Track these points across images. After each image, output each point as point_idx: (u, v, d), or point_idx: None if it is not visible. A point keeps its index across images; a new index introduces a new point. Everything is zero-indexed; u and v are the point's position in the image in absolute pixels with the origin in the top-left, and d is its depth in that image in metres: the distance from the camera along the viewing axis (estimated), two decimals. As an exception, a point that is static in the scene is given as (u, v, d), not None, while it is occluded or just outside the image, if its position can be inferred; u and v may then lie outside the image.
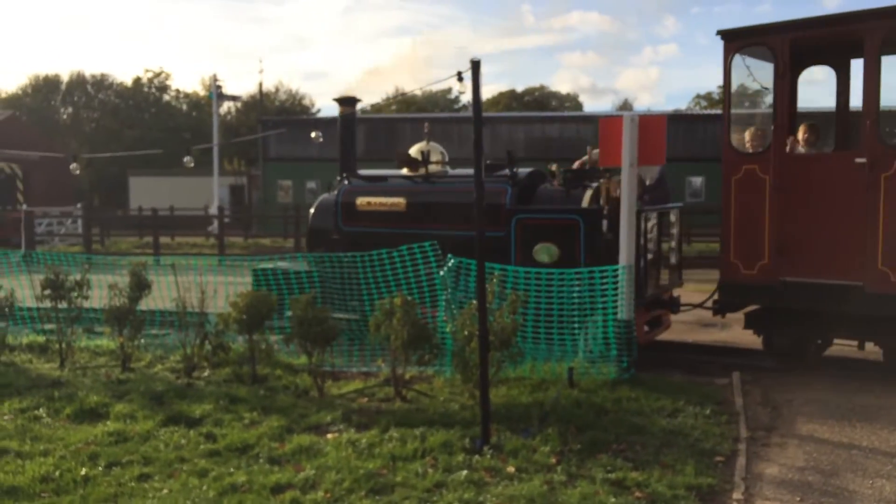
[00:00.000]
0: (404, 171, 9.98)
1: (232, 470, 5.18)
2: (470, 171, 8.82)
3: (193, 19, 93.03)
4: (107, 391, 6.98)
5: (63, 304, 8.24)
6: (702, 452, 5.45)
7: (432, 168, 9.65)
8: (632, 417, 6.16)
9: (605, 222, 8.15)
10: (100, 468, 5.23)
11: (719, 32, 7.71)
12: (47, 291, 8.18)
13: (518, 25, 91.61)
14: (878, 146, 6.96)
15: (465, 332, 6.23)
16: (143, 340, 8.37)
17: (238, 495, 4.79)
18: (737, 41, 7.64)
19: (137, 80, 58.02)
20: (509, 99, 59.78)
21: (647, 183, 9.06)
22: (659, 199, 8.99)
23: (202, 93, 56.77)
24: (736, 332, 9.82)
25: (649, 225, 8.39)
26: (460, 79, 6.44)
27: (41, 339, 9.00)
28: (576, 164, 9.57)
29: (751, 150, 7.81)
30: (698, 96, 60.60)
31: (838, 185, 7.16)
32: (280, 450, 5.51)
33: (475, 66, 5.66)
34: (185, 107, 60.11)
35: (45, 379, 7.48)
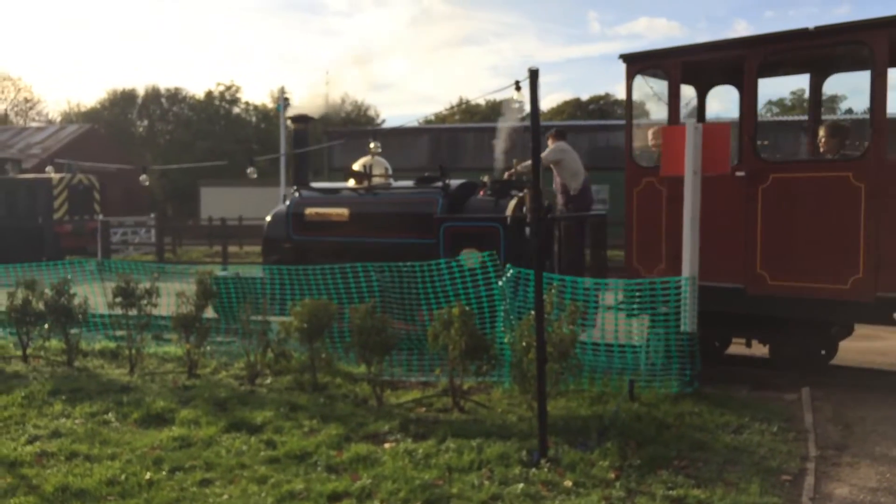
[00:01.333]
0: (351, 183, 10.78)
1: (290, 477, 5.24)
2: (409, 183, 10.36)
3: (265, 33, 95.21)
4: (173, 397, 7.16)
5: (133, 312, 8.50)
6: (768, 471, 5.27)
7: (376, 181, 10.57)
8: (694, 433, 6.00)
9: (527, 228, 8.81)
10: (164, 472, 5.35)
11: (621, 56, 8.30)
12: (118, 299, 8.45)
13: (584, 33, 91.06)
14: (755, 161, 7.51)
15: (523, 343, 6.18)
16: (208, 347, 8.57)
17: (296, 502, 4.85)
18: (636, 64, 8.22)
19: (209, 94, 59.69)
20: (573, 108, 59.28)
21: (571, 193, 10.09)
22: (582, 208, 9.85)
23: (271, 105, 57.99)
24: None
25: (571, 232, 9.31)
26: (518, 88, 6.43)
27: (112, 345, 9.30)
28: (506, 175, 10.26)
29: (655, 151, 8.43)
30: (770, 102, 58.99)
31: (720, 197, 7.53)
32: (338, 458, 5.55)
33: (533, 74, 5.63)
34: (254, 119, 61.56)
35: (114, 384, 7.72)
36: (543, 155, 10.13)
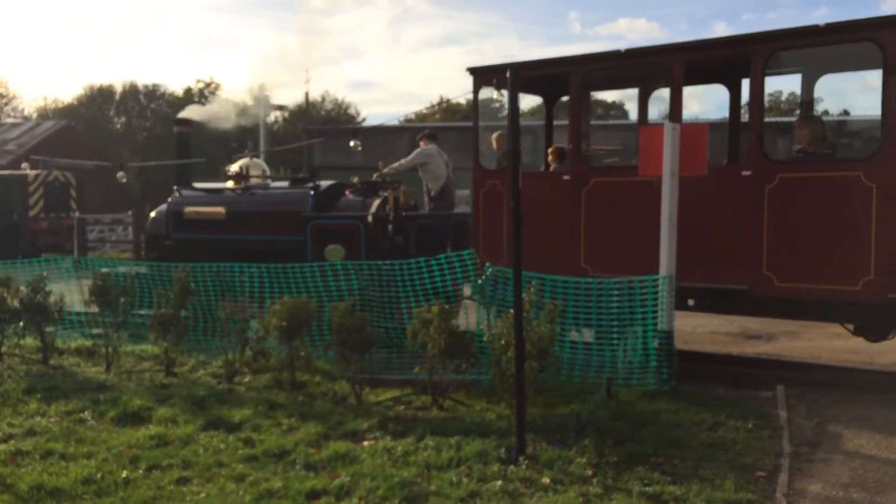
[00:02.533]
0: (229, 184, 11.47)
1: (268, 475, 5.23)
2: (284, 184, 11.39)
3: (244, 31, 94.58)
4: (150, 395, 7.12)
5: (110, 310, 8.42)
6: (742, 467, 5.33)
7: (253, 181, 11.42)
8: (671, 430, 6.05)
9: (390, 227, 9.71)
10: (140, 471, 5.32)
11: (468, 69, 8.99)
12: (94, 297, 8.38)
13: (565, 33, 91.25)
14: (580, 166, 8.17)
15: (502, 342, 6.20)
16: (186, 345, 8.52)
17: (274, 500, 4.84)
18: (481, 76, 8.99)
19: (188, 91, 59.24)
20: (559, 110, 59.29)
21: (432, 194, 10.71)
22: (443, 208, 10.36)
23: (250, 103, 57.62)
24: (783, 345, 9.63)
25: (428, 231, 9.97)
26: (498, 87, 6.47)
27: (89, 343, 9.22)
28: (374, 176, 10.87)
29: (497, 154, 9.22)
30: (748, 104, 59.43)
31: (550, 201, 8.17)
32: (316, 456, 5.55)
33: (513, 74, 5.66)
34: (233, 116, 61.12)
35: (91, 382, 7.65)
36: (408, 158, 11.03)
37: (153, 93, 59.75)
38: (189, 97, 59.42)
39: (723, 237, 7.60)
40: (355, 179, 10.78)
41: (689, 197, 7.28)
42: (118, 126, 59.67)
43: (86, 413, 6.65)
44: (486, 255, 8.58)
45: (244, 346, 7.86)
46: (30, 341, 9.01)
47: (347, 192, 10.55)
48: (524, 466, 5.26)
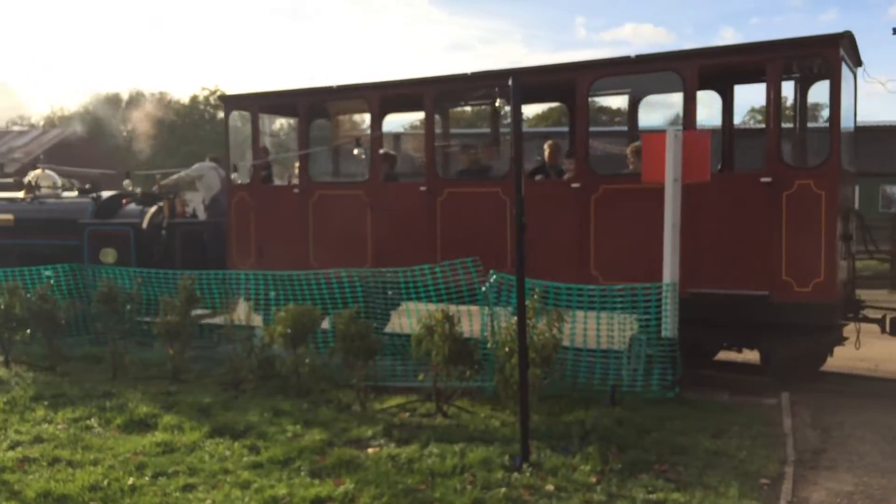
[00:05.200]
0: (21, 193, 12.39)
1: (274, 482, 5.25)
2: (73, 194, 12.39)
3: (251, 38, 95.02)
4: (156, 402, 7.15)
5: (116, 317, 8.47)
6: (746, 474, 5.33)
7: (44, 191, 12.41)
8: (675, 437, 6.06)
9: (163, 232, 10.90)
10: (147, 478, 5.35)
11: (219, 97, 11.47)
12: (101, 304, 8.43)
13: (570, 39, 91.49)
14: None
15: (506, 349, 6.22)
16: (192, 353, 8.56)
17: (278, 507, 4.86)
18: (231, 104, 10.88)
19: (194, 98, 59.46)
20: (559, 114, 59.36)
21: (206, 203, 11.59)
22: (217, 215, 11.06)
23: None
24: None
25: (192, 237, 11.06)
26: (501, 94, 6.49)
27: (95, 350, 9.26)
28: (154, 188, 12.05)
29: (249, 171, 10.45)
30: (753, 109, 59.40)
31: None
32: (321, 463, 5.57)
33: (515, 79, 5.69)
34: (239, 123, 61.30)
35: (97, 389, 7.69)
36: (186, 171, 12.09)
37: (159, 101, 59.95)
38: (195, 105, 59.66)
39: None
40: (137, 189, 12.20)
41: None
42: (125, 134, 59.86)
43: (92, 420, 6.69)
44: (237, 257, 10.21)
45: (249, 354, 7.88)
46: (37, 348, 9.05)
47: (124, 202, 11.74)
48: (528, 473, 5.27)
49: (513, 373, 6.09)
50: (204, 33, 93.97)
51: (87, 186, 12.54)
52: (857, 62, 8.33)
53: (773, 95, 7.61)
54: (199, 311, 8.72)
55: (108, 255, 10.80)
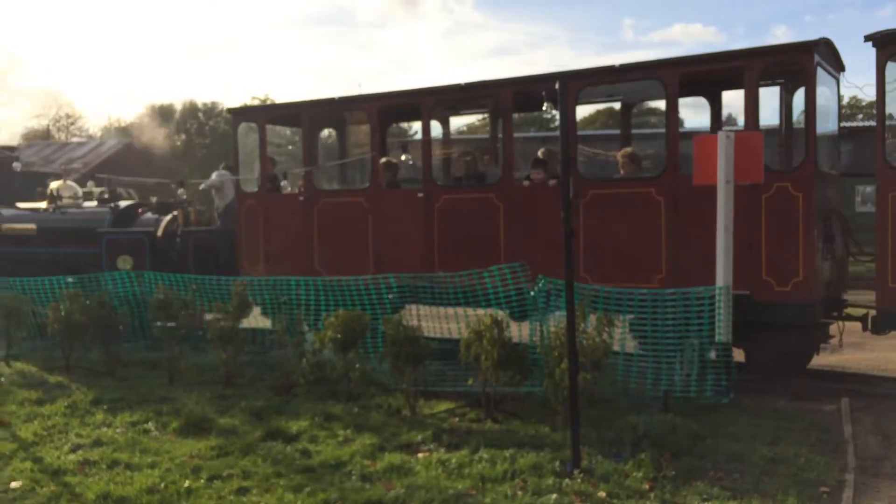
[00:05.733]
0: (44, 204, 12.99)
1: (325, 486, 5.30)
2: (93, 204, 12.90)
3: (301, 46, 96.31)
4: (211, 407, 7.29)
5: (172, 324, 8.66)
6: (805, 482, 5.20)
7: (66, 202, 12.91)
8: (730, 444, 5.95)
9: (178, 240, 11.41)
10: (202, 481, 5.45)
11: (228, 110, 11.21)
12: (157, 311, 8.62)
13: (617, 41, 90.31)
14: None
15: (556, 354, 6.18)
16: (245, 357, 8.69)
17: (330, 511, 4.90)
18: (238, 116, 11.40)
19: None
20: (606, 117, 58.87)
21: (220, 211, 12.01)
22: (231, 223, 11.35)
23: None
24: (847, 356, 9.36)
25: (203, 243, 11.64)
26: (549, 98, 6.46)
27: (152, 355, 9.46)
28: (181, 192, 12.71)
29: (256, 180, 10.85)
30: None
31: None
32: (372, 467, 5.61)
33: (562, 83, 5.67)
34: (289, 132, 62.21)
35: (154, 394, 7.87)
36: (209, 182, 12.43)
37: (211, 110, 61.18)
38: (246, 114, 60.64)
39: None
40: (154, 199, 12.69)
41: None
42: (178, 143, 61.23)
43: (150, 424, 6.85)
44: (246, 263, 10.64)
45: (301, 359, 7.98)
46: (96, 354, 9.30)
47: (140, 211, 12.26)
48: (579, 480, 5.23)
49: (563, 377, 6.04)
50: (255, 43, 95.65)
51: (106, 196, 13.06)
52: (839, 67, 8.56)
53: (751, 101, 7.85)
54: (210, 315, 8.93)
55: (125, 262, 11.33)
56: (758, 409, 6.87)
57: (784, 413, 6.83)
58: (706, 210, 7.24)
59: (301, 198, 10.32)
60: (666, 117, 8.12)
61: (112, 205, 12.38)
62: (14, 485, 5.48)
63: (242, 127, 11.35)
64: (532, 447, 5.84)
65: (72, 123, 63.46)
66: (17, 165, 14.86)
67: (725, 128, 8.27)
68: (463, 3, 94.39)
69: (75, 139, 55.23)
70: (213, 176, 12.42)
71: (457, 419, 6.81)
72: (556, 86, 5.61)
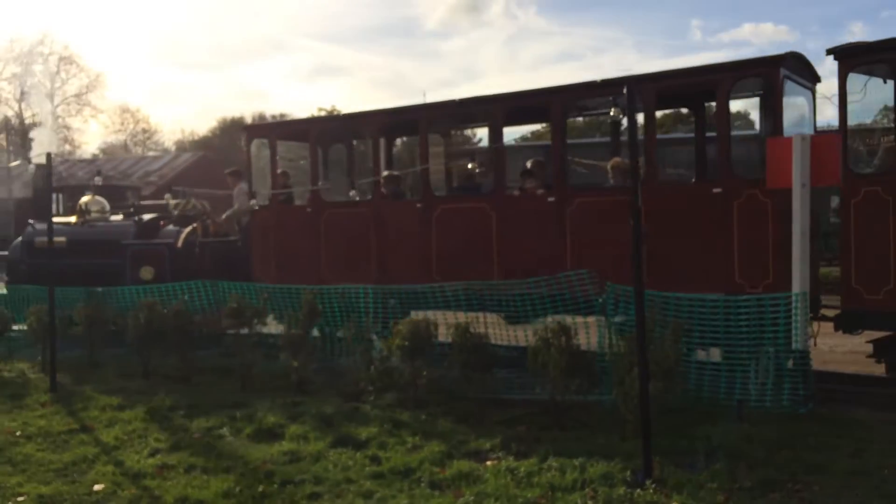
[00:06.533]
0: (73, 218, 13.57)
1: (395, 492, 5.35)
2: (119, 217, 13.67)
3: (369, 58, 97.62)
4: (282, 413, 7.42)
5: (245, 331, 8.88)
6: (889, 496, 5.00)
7: (94, 216, 13.53)
8: (808, 455, 5.75)
9: (196, 251, 12.03)
10: (275, 486, 5.56)
11: (242, 128, 12.24)
12: (230, 319, 8.85)
13: (685, 43, 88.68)
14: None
15: (626, 361, 6.10)
16: (315, 364, 8.83)
17: (400, 518, 4.94)
18: (251, 132, 12.51)
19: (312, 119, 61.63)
20: (673, 121, 57.84)
21: (242, 224, 12.21)
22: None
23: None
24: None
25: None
26: (615, 103, 6.41)
27: (225, 362, 9.71)
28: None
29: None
30: (886, 108, 55.77)
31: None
32: (441, 474, 5.62)
33: (630, 89, 5.61)
34: (355, 142, 63.00)
35: (228, 400, 8.06)
36: (240, 204, 12.35)
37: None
38: (313, 125, 61.71)
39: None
40: (177, 212, 13.32)
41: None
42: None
43: (224, 429, 7.02)
44: (259, 272, 11.15)
45: (369, 366, 8.07)
46: (174, 361, 9.59)
47: (163, 224, 12.93)
48: (651, 490, 5.14)
49: (633, 386, 5.96)
50: (320, 53, 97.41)
51: (132, 210, 13.90)
52: (814, 79, 8.81)
53: (722, 114, 8.23)
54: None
55: (147, 272, 12.04)
56: (838, 419, 6.64)
57: (865, 424, 6.58)
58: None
59: (309, 209, 10.85)
60: (644, 129, 8.28)
61: (136, 218, 13.15)
62: (97, 487, 5.69)
63: (255, 143, 11.94)
64: (602, 456, 5.77)
65: (148, 138, 65.74)
66: (97, 179, 15.46)
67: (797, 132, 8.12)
68: (526, 9, 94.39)
69: (151, 153, 57.14)
70: (240, 195, 12.67)
71: (525, 427, 6.77)
72: (624, 90, 5.55)
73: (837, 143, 6.78)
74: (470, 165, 11.64)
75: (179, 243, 12.23)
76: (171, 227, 12.84)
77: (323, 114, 61.94)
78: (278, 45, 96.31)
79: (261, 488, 5.49)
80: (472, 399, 7.12)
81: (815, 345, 7.80)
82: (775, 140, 7.19)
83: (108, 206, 14.04)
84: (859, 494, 5.03)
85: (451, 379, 7.64)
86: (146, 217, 13.25)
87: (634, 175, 5.52)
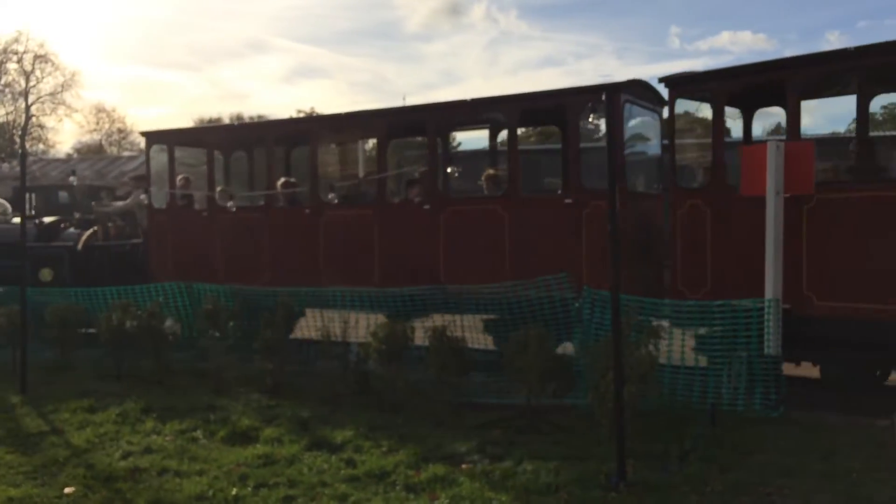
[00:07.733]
0: None
1: (370, 496, 5.33)
2: (17, 221, 13.01)
3: (349, 60, 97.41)
4: (257, 416, 7.38)
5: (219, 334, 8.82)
6: (859, 499, 5.07)
7: None
8: (780, 459, 5.82)
9: (96, 253, 12.43)
10: (249, 489, 5.52)
11: (141, 133, 12.80)
12: (205, 321, 8.79)
13: (665, 50, 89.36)
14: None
15: (600, 366, 6.13)
16: (291, 368, 8.79)
17: (375, 521, 4.93)
18: (151, 139, 12.45)
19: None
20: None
21: (144, 227, 12.41)
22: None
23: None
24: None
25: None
26: (594, 109, 6.47)
27: (200, 365, 9.63)
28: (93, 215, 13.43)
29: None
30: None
31: None
32: (416, 478, 5.62)
33: (609, 95, 5.65)
34: (333, 146, 62.79)
35: (202, 403, 7.99)
36: (126, 202, 13.24)
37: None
38: (291, 127, 61.48)
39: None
40: (78, 215, 13.69)
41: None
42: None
43: (198, 432, 6.96)
44: (156, 273, 11.54)
45: (346, 369, 8.05)
46: (146, 363, 9.49)
47: (64, 226, 13.16)
48: (625, 493, 5.17)
49: (608, 390, 5.99)
50: (300, 54, 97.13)
51: (33, 213, 14.15)
52: (660, 102, 9.66)
53: (573, 131, 9.29)
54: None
55: (45, 273, 12.36)
56: (809, 423, 6.71)
57: (836, 428, 6.66)
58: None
59: (204, 213, 11.58)
60: (508, 143, 9.53)
61: (37, 220, 13.36)
62: (67, 490, 5.61)
63: (154, 148, 12.37)
64: (577, 459, 5.80)
65: (123, 138, 65.08)
66: (73, 179, 15.34)
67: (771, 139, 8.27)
68: (507, 14, 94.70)
69: (126, 153, 56.57)
70: (132, 196, 13.23)
71: (501, 430, 6.79)
72: (603, 97, 5.60)
73: (812, 150, 6.86)
74: (449, 170, 11.69)
75: (80, 246, 12.53)
76: (71, 229, 13.12)
77: (301, 115, 61.80)
78: (258, 46, 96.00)
79: (234, 491, 5.45)
80: (448, 403, 7.12)
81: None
82: (750, 147, 7.28)
83: (10, 209, 14.26)
84: (829, 497, 5.09)
85: (427, 382, 7.64)
86: (47, 220, 13.50)
87: (612, 182, 5.57)
